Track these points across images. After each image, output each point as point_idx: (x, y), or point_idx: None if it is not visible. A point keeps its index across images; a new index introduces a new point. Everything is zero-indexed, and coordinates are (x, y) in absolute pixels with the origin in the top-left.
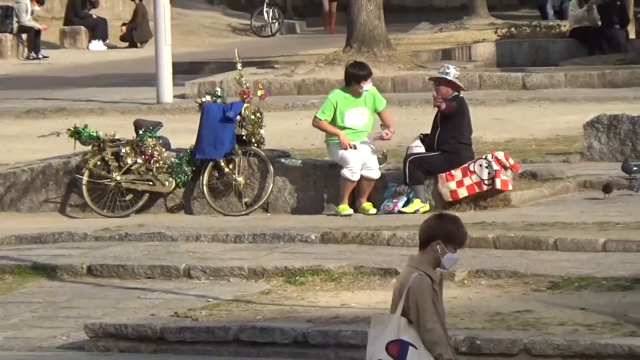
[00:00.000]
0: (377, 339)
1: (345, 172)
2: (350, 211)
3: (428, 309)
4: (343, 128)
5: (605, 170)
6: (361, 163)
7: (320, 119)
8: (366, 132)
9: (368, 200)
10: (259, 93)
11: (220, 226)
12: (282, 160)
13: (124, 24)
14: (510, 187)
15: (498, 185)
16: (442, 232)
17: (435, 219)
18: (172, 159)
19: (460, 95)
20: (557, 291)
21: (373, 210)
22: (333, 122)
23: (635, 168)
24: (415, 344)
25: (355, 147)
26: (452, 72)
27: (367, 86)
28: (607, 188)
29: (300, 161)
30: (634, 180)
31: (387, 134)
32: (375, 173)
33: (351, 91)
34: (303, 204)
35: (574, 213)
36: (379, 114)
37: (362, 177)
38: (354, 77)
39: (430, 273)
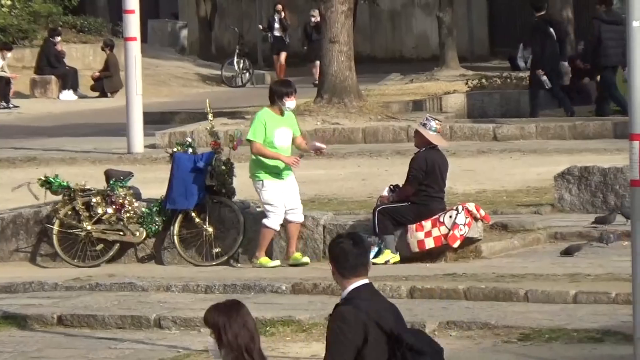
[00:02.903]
0: None
1: (268, 221)
2: (277, 262)
3: None
4: (273, 149)
5: (576, 222)
6: (284, 209)
7: (255, 140)
8: (289, 153)
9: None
10: (231, 143)
11: (190, 276)
12: (253, 211)
13: (94, 73)
14: (456, 245)
15: (448, 237)
16: None
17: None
18: (143, 209)
19: (436, 148)
20: (527, 343)
21: (306, 259)
22: (264, 143)
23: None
24: None
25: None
26: (429, 124)
27: (290, 103)
28: (568, 252)
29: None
30: (604, 232)
31: (323, 147)
32: (300, 216)
33: (275, 109)
34: (273, 255)
35: (545, 264)
36: (293, 140)
37: (287, 221)
38: (278, 94)
39: None
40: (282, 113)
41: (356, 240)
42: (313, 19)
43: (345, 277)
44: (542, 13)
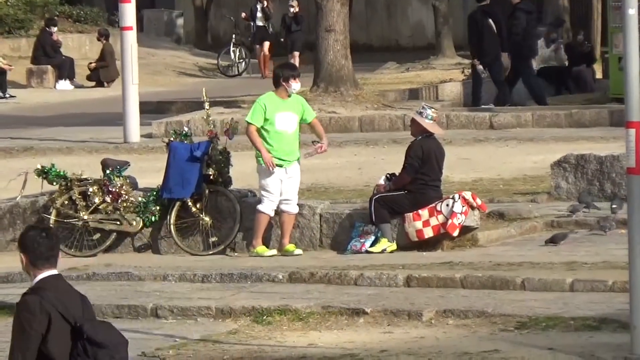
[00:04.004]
0: None
1: (262, 206)
2: (274, 251)
3: None
4: (275, 132)
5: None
6: (279, 196)
7: (252, 123)
8: (295, 140)
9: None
10: (233, 130)
11: (187, 266)
12: (249, 200)
13: (91, 63)
14: (455, 234)
15: (446, 226)
16: None
17: None
18: (140, 199)
19: (432, 136)
20: (524, 331)
21: (299, 251)
22: (264, 127)
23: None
24: None
25: (279, 166)
26: (426, 113)
27: (296, 85)
28: (553, 239)
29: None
30: (601, 220)
31: (321, 147)
32: (294, 207)
33: (280, 93)
34: (270, 244)
35: (542, 253)
36: (309, 124)
37: (281, 212)
38: (283, 76)
39: None
40: (288, 96)
41: (47, 231)
42: (292, 10)
43: (36, 267)
44: (484, 3)
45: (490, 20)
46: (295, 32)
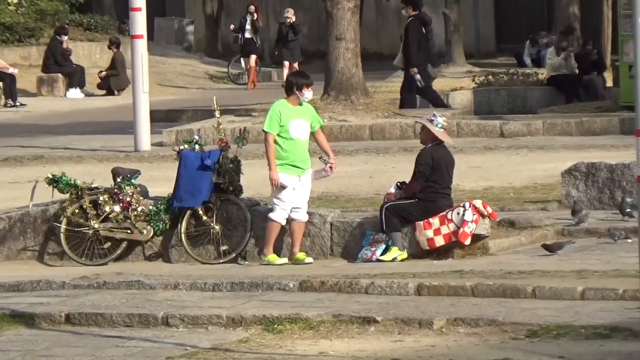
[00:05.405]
0: None
1: (274, 215)
2: (284, 260)
3: None
4: (290, 140)
5: None
6: (291, 205)
7: (269, 132)
8: (307, 145)
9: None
10: (245, 139)
11: (198, 274)
12: (260, 208)
13: (101, 71)
14: (468, 242)
15: (458, 235)
16: None
17: None
18: (150, 207)
19: (442, 144)
20: (535, 339)
21: (309, 260)
22: (280, 135)
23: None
24: None
25: (284, 187)
26: (436, 121)
27: (308, 94)
28: (550, 249)
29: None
30: (612, 229)
31: (330, 167)
32: (304, 215)
33: (292, 101)
34: (281, 252)
35: (553, 261)
36: (313, 134)
37: (291, 220)
38: (296, 85)
39: None
40: (299, 104)
41: None
42: (288, 20)
43: None
44: (418, 12)
45: (423, 29)
46: (292, 41)
